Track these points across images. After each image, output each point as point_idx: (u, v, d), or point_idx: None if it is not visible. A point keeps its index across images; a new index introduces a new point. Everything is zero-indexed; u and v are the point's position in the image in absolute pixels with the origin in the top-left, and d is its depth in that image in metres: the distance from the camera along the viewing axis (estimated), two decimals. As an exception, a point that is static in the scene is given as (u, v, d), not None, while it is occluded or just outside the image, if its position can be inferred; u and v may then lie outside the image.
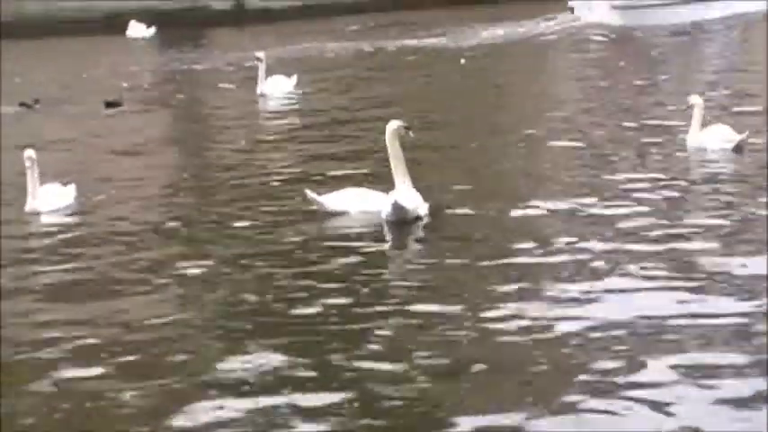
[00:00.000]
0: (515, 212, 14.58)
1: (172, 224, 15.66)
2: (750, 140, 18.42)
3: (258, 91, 27.31)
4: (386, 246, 14.15)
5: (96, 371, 10.06)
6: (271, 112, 26.25)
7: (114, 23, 48.43)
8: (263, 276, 12.78)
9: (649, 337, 9.52)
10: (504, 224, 14.32)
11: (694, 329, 9.90)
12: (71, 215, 16.21)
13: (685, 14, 41.86)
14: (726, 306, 10.47)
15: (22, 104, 28.17)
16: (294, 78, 28.14)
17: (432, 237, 14.19)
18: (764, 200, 14.32)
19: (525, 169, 18.28)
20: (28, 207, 16.02)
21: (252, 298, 12.07)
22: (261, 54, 27.73)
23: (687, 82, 27.40)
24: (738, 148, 18.36)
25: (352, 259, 13.22)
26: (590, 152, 19.59)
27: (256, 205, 16.22)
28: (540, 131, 22.12)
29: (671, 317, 9.83)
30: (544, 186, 17.13)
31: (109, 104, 27.73)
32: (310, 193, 15.01)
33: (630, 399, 8.28)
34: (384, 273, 13.00)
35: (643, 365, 8.88)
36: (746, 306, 10.12)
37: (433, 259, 13.00)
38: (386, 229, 14.30)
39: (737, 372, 8.58)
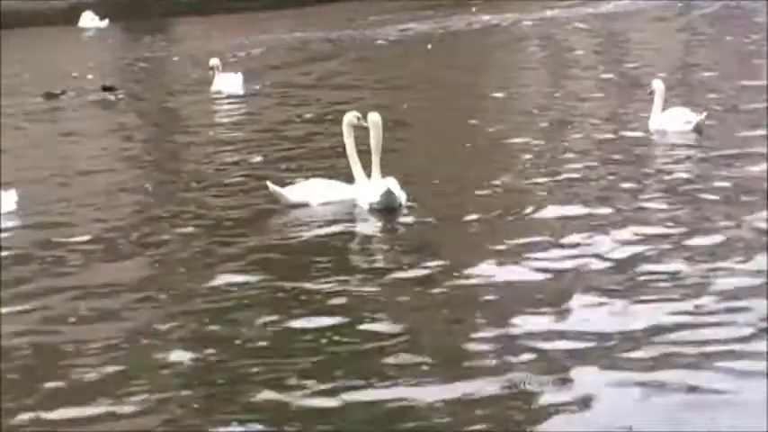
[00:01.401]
0: (485, 194, 14.55)
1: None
2: (708, 122, 18.72)
3: (214, 88, 26.72)
4: (379, 236, 13.98)
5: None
6: (226, 110, 25.39)
7: (73, 16, 48.07)
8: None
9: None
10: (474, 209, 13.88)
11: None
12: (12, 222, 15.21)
13: None
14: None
15: (49, 95, 27.31)
16: (240, 75, 27.11)
17: (414, 221, 13.96)
18: (722, 183, 14.31)
19: (493, 154, 18.15)
20: None
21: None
22: (215, 61, 27.20)
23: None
24: (698, 129, 18.54)
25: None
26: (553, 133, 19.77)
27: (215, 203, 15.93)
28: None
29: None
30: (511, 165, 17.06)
31: (50, 95, 27.15)
32: (273, 186, 14.78)
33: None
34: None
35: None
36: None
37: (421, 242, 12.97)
38: (361, 216, 14.15)
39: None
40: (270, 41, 39.44)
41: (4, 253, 13.69)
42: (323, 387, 8.71)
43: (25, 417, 8.58)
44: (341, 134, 15.29)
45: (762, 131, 18.25)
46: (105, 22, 46.96)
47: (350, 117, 14.92)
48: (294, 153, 18.72)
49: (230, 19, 48.72)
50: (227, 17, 49.42)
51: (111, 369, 9.65)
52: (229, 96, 26.36)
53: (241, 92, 26.76)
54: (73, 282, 12.29)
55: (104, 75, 31.88)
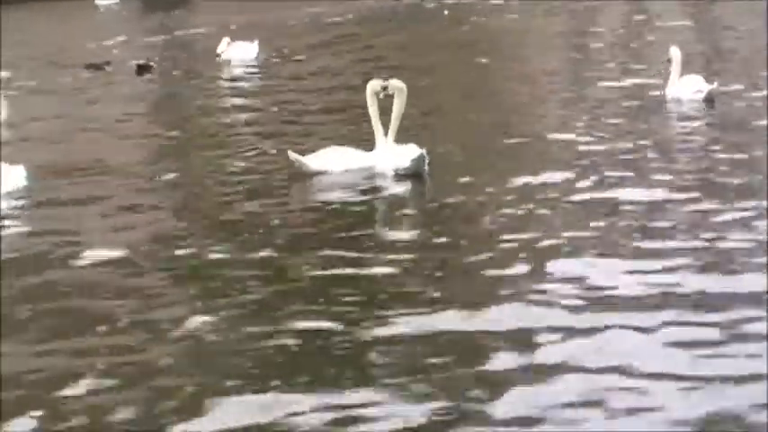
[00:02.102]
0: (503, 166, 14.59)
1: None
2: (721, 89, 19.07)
3: (223, 56, 27.14)
4: (402, 201, 14.01)
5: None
6: (236, 78, 25.83)
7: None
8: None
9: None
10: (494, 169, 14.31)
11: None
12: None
13: None
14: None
15: (91, 66, 27.73)
16: (256, 44, 27.72)
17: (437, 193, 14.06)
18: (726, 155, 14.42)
19: (508, 126, 17.92)
20: None
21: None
22: (225, 41, 27.19)
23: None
24: (709, 98, 18.71)
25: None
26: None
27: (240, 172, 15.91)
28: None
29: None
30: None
31: (91, 66, 27.52)
32: (293, 155, 14.87)
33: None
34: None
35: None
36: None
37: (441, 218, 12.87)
38: (385, 182, 14.20)
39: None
40: (288, 13, 38.99)
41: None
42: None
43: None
44: (360, 102, 15.56)
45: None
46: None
47: (374, 84, 14.98)
48: (312, 120, 18.67)
49: None
50: None
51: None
52: (244, 64, 26.71)
53: (254, 60, 27.12)
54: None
55: (133, 49, 31.67)
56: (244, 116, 21.39)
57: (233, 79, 26.09)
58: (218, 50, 27.66)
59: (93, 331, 9.32)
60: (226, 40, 27.82)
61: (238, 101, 22.94)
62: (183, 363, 9.14)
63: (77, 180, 15.82)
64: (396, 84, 15.05)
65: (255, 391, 8.13)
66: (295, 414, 7.50)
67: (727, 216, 11.80)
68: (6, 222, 13.95)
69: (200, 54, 29.72)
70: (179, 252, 12.23)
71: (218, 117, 21.69)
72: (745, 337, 8.38)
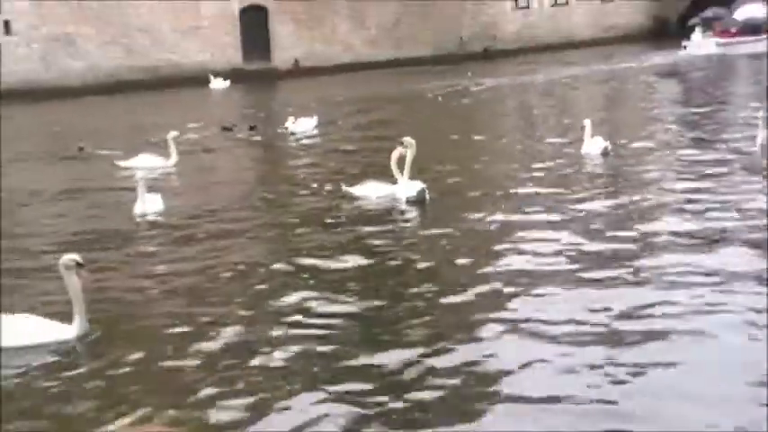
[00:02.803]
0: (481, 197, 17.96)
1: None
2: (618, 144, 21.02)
3: (289, 130, 30.44)
4: (410, 214, 17.05)
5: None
6: (302, 144, 28.77)
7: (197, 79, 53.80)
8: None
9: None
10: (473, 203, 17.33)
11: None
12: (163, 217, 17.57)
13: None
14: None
15: (226, 128, 32.04)
16: (315, 119, 31.35)
17: (432, 211, 17.07)
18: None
19: (496, 170, 21.20)
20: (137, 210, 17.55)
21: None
22: (291, 119, 30.98)
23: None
24: (605, 152, 21.06)
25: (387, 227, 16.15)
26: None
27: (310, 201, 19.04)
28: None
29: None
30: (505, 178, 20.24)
31: (225, 129, 31.64)
32: (345, 187, 18.41)
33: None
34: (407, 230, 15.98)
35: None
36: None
37: (440, 221, 15.93)
38: (399, 205, 17.34)
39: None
40: (348, 94, 43.61)
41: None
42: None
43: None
44: (387, 157, 18.50)
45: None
46: (227, 84, 52.10)
47: (395, 154, 17.83)
48: (356, 168, 21.89)
49: (325, 79, 54.22)
50: (323, 78, 55.25)
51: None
52: (306, 135, 29.72)
53: (315, 131, 30.26)
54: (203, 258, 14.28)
55: (246, 117, 36.31)
56: (306, 163, 24.88)
57: (298, 140, 29.15)
58: (287, 125, 30.56)
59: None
60: (291, 118, 30.69)
61: (303, 157, 25.85)
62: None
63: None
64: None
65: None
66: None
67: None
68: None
69: (277, 123, 32.15)
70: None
71: (287, 165, 25.34)
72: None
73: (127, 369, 9.55)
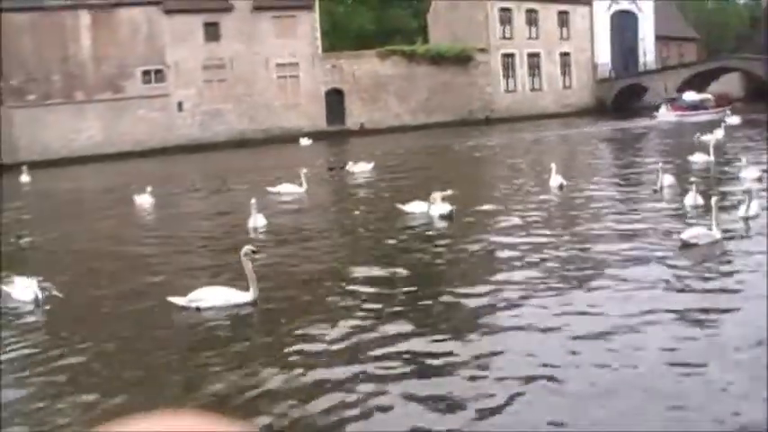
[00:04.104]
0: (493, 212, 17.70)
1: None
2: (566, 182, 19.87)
3: (350, 170, 29.07)
4: (443, 224, 16.75)
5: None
6: (364, 180, 27.60)
7: (294, 137, 53.71)
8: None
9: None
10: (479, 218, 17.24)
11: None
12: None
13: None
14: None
15: (330, 169, 31.60)
16: (372, 164, 29.82)
17: (457, 222, 16.74)
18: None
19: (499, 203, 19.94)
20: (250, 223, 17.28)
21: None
22: (349, 163, 29.79)
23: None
24: (561, 187, 20.41)
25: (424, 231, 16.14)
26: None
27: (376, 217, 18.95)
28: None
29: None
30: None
31: (330, 169, 31.04)
32: (399, 206, 18.25)
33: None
34: (439, 236, 15.66)
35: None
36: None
37: (459, 231, 15.86)
38: (435, 219, 17.07)
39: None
40: (396, 147, 43.17)
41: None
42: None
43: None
44: (425, 189, 18.58)
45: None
46: (310, 142, 51.80)
47: (433, 196, 17.44)
48: (403, 194, 20.65)
49: (380, 137, 53.48)
50: (379, 136, 54.20)
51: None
52: (364, 175, 28.54)
53: (370, 174, 28.62)
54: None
55: (330, 163, 35.78)
56: (368, 191, 24.57)
57: (359, 177, 27.99)
58: (347, 167, 29.45)
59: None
60: (351, 162, 29.57)
61: (362, 190, 25.10)
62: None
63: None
64: (438, 195, 17.38)
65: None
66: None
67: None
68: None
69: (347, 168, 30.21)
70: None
71: (356, 192, 24.72)
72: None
73: (280, 322, 9.83)
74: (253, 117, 56.29)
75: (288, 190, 23.91)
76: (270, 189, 24.07)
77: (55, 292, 11.96)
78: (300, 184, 23.96)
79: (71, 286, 12.75)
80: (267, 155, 45.21)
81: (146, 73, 53.85)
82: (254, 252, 10.53)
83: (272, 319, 9.81)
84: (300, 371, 7.71)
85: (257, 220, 16.98)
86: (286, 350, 8.42)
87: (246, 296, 10.32)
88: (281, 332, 9.16)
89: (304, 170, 24.42)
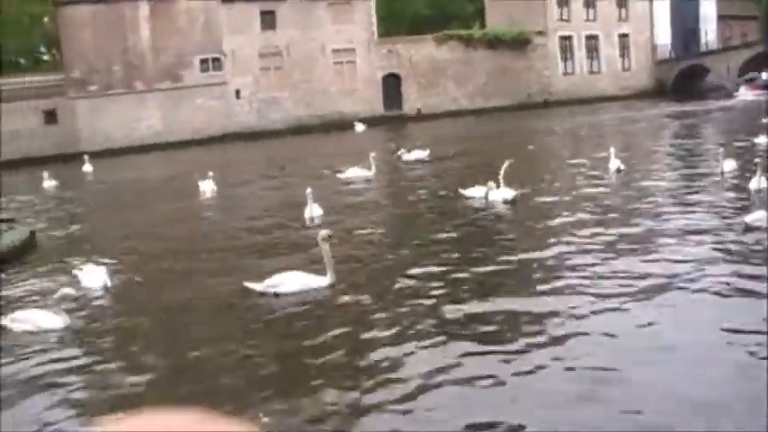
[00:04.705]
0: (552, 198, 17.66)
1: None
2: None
3: (404, 158, 28.16)
4: (504, 208, 16.70)
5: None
6: (413, 164, 27.40)
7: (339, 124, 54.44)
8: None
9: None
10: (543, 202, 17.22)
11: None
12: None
13: None
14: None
15: (395, 153, 29.46)
16: (427, 151, 28.98)
17: (519, 207, 16.59)
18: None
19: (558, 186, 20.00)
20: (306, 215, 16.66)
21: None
22: (401, 150, 29.17)
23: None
24: (618, 170, 20.02)
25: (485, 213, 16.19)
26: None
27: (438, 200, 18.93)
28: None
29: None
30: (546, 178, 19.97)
31: (394, 153, 29.14)
32: (461, 190, 18.20)
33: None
34: (501, 218, 15.84)
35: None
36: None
37: (522, 215, 15.86)
38: (498, 203, 16.88)
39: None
40: (454, 132, 42.74)
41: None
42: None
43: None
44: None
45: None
46: (365, 127, 52.01)
47: (490, 184, 17.08)
48: (461, 179, 20.25)
49: (437, 122, 53.19)
50: (436, 121, 54.04)
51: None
52: (419, 161, 28.03)
53: (426, 160, 28.15)
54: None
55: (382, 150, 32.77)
56: (427, 176, 24.14)
57: (412, 164, 27.41)
58: (399, 153, 28.75)
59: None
60: (403, 150, 28.86)
61: (423, 175, 24.57)
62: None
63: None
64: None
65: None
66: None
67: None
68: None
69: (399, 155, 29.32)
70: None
71: (415, 179, 24.01)
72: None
73: (359, 305, 9.89)
74: (309, 103, 56.68)
75: (356, 174, 24.07)
76: (338, 174, 24.37)
77: (137, 278, 12.47)
78: (369, 168, 24.13)
79: (143, 272, 13.21)
80: (323, 141, 45.59)
81: (203, 62, 54.60)
82: (330, 237, 10.68)
83: (349, 303, 9.90)
84: (378, 355, 7.91)
85: (314, 210, 16.85)
86: (365, 335, 8.59)
87: (324, 280, 10.46)
88: (358, 316, 9.31)
89: (372, 154, 24.57)
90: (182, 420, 0.54)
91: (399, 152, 28.67)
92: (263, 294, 10.38)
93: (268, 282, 10.48)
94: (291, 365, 7.81)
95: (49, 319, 9.63)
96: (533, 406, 6.16)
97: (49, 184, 32.57)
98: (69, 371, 8.14)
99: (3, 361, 8.50)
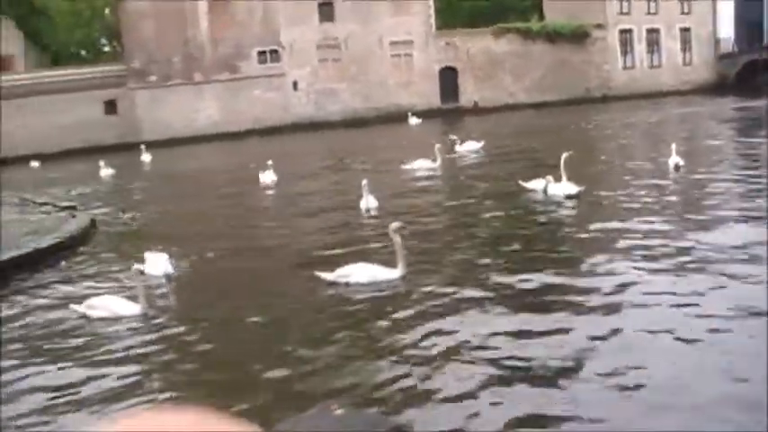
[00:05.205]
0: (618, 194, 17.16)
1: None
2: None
3: (456, 149, 27.88)
4: (571, 202, 16.33)
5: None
6: (466, 156, 27.35)
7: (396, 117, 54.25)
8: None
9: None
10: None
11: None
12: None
13: None
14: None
15: (451, 141, 28.47)
16: (482, 143, 28.79)
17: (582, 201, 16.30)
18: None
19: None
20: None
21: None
22: (454, 137, 28.88)
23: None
24: (677, 167, 19.46)
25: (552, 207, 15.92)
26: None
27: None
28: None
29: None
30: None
31: (452, 142, 28.62)
32: (522, 183, 17.84)
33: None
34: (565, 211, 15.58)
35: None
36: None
37: (583, 210, 15.55)
38: (559, 196, 16.62)
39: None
40: (511, 125, 42.26)
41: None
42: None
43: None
44: (546, 170, 17.62)
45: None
46: (419, 120, 51.69)
47: (548, 178, 16.86)
48: (521, 172, 20.00)
49: (494, 115, 52.32)
50: (492, 114, 53.56)
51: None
52: (472, 153, 27.95)
53: (480, 152, 28.05)
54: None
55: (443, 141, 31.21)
56: (485, 169, 23.90)
57: (464, 156, 27.24)
58: (452, 139, 28.57)
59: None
60: (458, 140, 28.50)
61: (474, 168, 24.45)
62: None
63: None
64: (566, 155, 17.05)
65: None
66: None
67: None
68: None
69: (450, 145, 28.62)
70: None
71: (474, 170, 23.78)
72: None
73: (431, 297, 9.82)
74: (367, 96, 56.81)
75: (421, 165, 24.05)
76: (403, 165, 24.37)
77: (209, 254, 12.77)
78: (434, 160, 24.10)
79: (206, 261, 13.38)
80: (378, 134, 45.52)
81: (261, 53, 54.97)
82: (401, 228, 10.70)
83: (419, 295, 9.85)
84: (450, 341, 7.92)
85: (369, 201, 16.84)
86: (438, 327, 8.52)
87: (395, 273, 10.46)
88: (428, 308, 9.26)
89: (438, 145, 24.53)
90: (183, 420, 0.53)
91: (452, 138, 28.56)
92: (332, 284, 10.46)
93: (339, 272, 10.56)
94: (365, 352, 7.94)
95: (126, 306, 9.84)
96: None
97: (105, 172, 33.36)
98: (147, 356, 8.36)
99: (84, 347, 8.83)
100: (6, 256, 13.29)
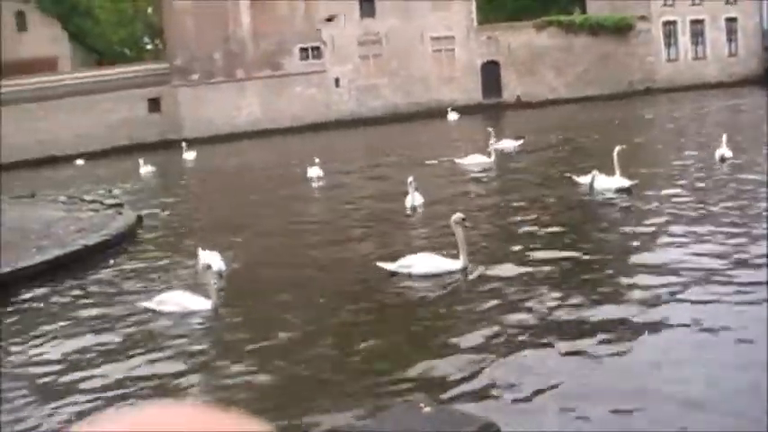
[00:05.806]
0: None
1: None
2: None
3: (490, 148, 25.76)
4: (625, 195, 16.21)
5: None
6: (504, 152, 26.37)
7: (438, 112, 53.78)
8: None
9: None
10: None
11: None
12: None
13: None
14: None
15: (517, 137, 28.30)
16: (520, 141, 28.48)
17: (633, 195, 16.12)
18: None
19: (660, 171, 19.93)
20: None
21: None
22: (493, 140, 26.65)
23: None
24: (722, 159, 19.30)
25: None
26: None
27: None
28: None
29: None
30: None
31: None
32: (575, 177, 17.80)
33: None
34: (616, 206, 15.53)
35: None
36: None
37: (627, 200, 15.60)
38: (607, 190, 16.48)
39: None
40: (554, 119, 42.03)
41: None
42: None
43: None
44: (591, 162, 18.51)
45: None
46: (458, 116, 51.39)
47: (594, 172, 16.70)
48: (569, 167, 19.88)
49: (536, 111, 52.06)
50: (535, 109, 53.18)
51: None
52: (508, 152, 27.16)
53: (515, 150, 27.69)
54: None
55: (475, 139, 32.14)
56: (534, 164, 23.94)
57: (502, 154, 26.05)
58: (490, 142, 26.96)
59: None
60: (494, 139, 26.30)
61: (528, 164, 24.26)
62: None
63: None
64: (618, 148, 16.66)
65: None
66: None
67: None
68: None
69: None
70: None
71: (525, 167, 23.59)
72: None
73: (495, 289, 9.84)
74: (408, 91, 56.78)
75: (476, 161, 23.97)
76: (456, 160, 24.34)
77: (256, 260, 12.50)
78: (489, 155, 24.03)
79: (259, 256, 13.53)
80: (419, 129, 45.49)
81: (303, 50, 55.13)
82: (463, 219, 10.71)
83: (481, 287, 9.90)
84: (512, 338, 7.93)
85: (415, 198, 16.76)
86: (499, 318, 8.57)
87: (457, 264, 10.51)
88: (490, 301, 9.29)
89: (492, 140, 24.62)
90: (189, 416, 0.51)
91: (489, 131, 27.42)
92: (394, 274, 10.52)
93: (401, 262, 10.64)
94: (438, 348, 7.93)
95: (197, 301, 9.98)
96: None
97: (145, 170, 33.57)
98: (227, 351, 8.47)
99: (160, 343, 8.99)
100: (60, 251, 13.33)
